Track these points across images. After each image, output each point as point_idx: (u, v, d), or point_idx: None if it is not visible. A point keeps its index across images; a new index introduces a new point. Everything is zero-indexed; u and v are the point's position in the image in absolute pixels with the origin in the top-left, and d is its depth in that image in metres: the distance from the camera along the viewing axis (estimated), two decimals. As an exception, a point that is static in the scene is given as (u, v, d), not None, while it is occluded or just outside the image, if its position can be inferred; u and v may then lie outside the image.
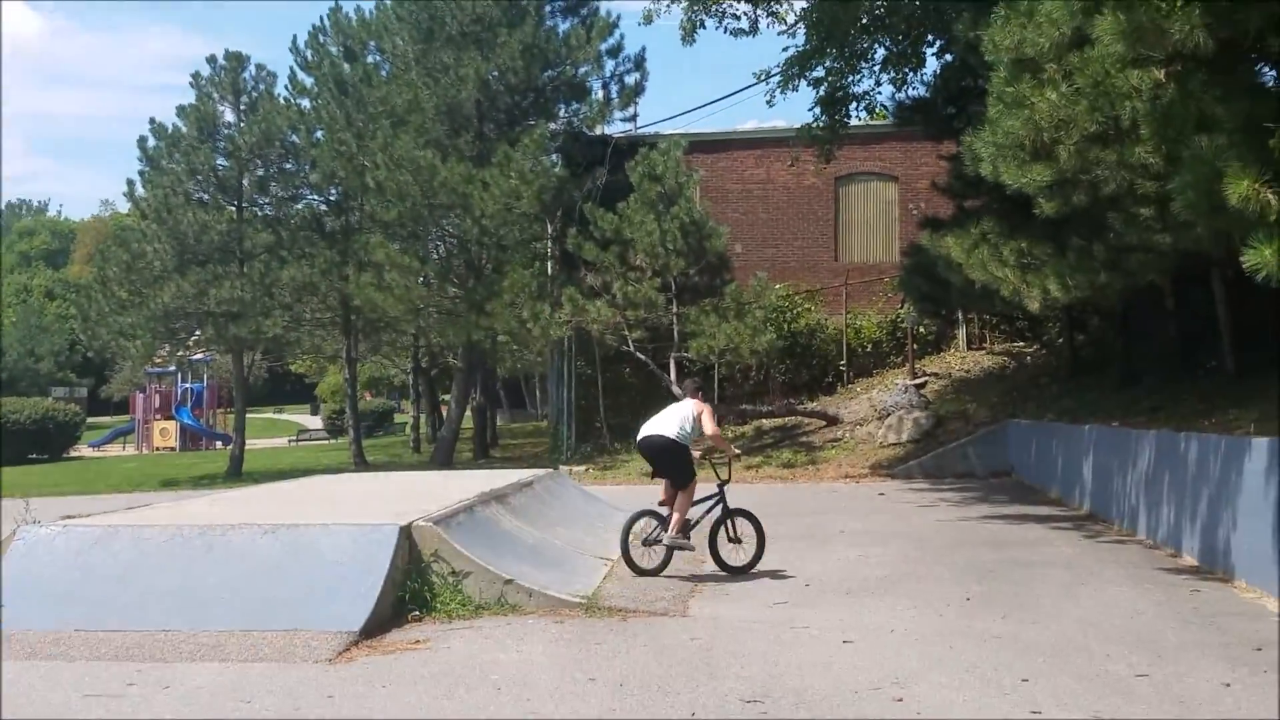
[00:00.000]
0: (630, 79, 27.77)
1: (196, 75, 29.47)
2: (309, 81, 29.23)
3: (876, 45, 19.46)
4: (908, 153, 27.44)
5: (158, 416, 49.47)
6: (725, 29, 19.86)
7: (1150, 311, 16.47)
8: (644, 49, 35.77)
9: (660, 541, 9.87)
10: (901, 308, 25.11)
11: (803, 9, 19.04)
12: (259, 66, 29.86)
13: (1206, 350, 15.19)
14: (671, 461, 10.02)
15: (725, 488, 10.28)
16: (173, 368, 48.86)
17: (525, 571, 8.92)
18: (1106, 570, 9.83)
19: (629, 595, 8.88)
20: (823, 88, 19.93)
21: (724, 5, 19.42)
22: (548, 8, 27.84)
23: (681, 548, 9.93)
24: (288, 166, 29.90)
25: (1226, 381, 13.29)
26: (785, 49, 35.79)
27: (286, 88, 29.83)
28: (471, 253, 27.04)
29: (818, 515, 14.68)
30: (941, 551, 11.21)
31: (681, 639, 7.47)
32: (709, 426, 10.09)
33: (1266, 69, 9.50)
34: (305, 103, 29.06)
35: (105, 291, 28.74)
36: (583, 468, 23.51)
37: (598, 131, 27.98)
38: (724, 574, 9.93)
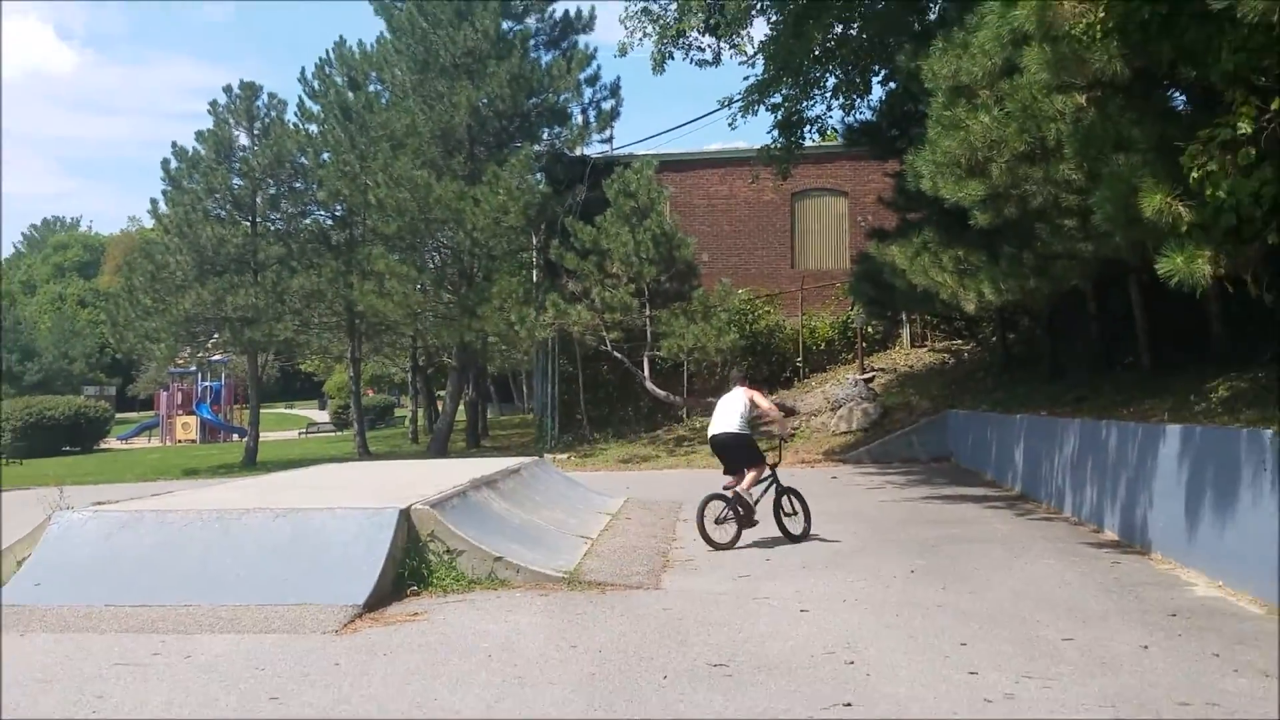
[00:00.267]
0: (607, 105, 27.94)
1: (214, 103, 29.36)
2: (316, 108, 29.04)
3: (828, 74, 19.47)
4: (857, 170, 27.47)
5: (180, 412, 49.35)
6: (691, 60, 19.91)
7: (1075, 313, 16.54)
8: (619, 78, 35.99)
9: (729, 520, 10.12)
10: (852, 310, 25.14)
11: (761, 42, 19.05)
12: (271, 95, 29.81)
13: (1125, 348, 15.27)
14: (740, 454, 10.31)
15: (775, 469, 10.57)
16: (193, 368, 48.75)
17: (513, 549, 8.88)
18: (1036, 545, 9.84)
19: (607, 570, 8.83)
20: (780, 113, 19.94)
21: (689, 39, 19.36)
22: (532, 41, 27.97)
23: (748, 504, 10.15)
24: (297, 185, 29.74)
25: (1143, 376, 13.34)
26: (746, 78, 35.68)
27: (296, 114, 29.68)
28: (464, 262, 27.02)
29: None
30: (889, 529, 11.20)
31: (655, 609, 7.43)
32: (764, 403, 10.45)
33: (1177, 94, 9.56)
34: (313, 128, 28.87)
35: (132, 299, 28.70)
36: (565, 455, 23.48)
37: (577, 152, 27.96)
38: (770, 542, 10.21)
